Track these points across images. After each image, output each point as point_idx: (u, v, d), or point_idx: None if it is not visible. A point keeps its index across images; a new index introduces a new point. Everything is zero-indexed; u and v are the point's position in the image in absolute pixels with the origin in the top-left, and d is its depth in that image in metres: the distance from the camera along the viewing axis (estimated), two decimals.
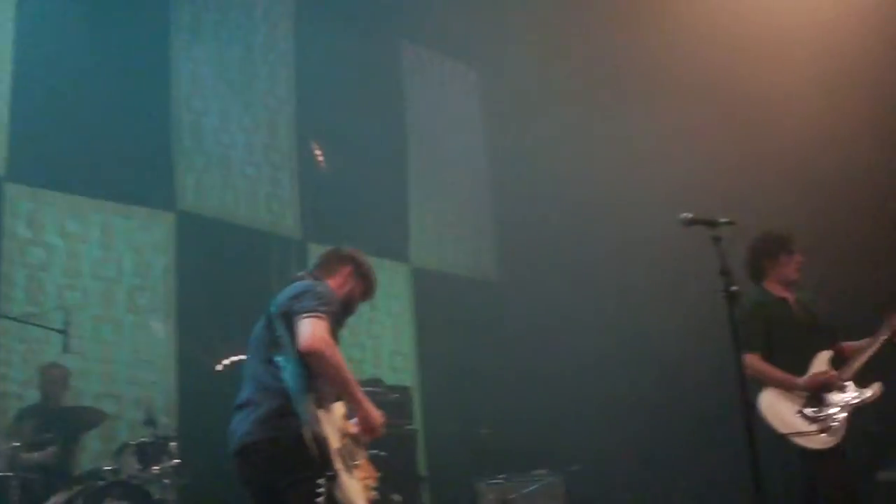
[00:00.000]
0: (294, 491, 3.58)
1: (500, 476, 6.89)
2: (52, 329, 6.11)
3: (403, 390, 7.44)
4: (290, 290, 3.92)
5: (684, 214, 4.61)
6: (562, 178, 8.63)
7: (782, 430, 4.89)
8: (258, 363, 3.84)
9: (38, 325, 6.25)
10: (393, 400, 7.10)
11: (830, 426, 4.84)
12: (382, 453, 6.61)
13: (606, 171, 8.20)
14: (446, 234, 9.79)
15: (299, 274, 4.18)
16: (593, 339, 8.12)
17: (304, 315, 3.69)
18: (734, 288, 4.56)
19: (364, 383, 7.12)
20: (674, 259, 7.07)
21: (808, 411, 4.92)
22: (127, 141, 7.48)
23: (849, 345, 5.17)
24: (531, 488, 6.80)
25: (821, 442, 4.82)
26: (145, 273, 7.72)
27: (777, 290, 5.25)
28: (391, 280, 9.17)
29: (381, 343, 8.91)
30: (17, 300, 6.94)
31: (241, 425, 3.74)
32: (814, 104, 7.06)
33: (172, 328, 7.67)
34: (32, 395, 6.74)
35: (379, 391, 7.05)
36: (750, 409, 4.32)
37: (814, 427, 4.86)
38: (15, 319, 6.45)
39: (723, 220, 4.55)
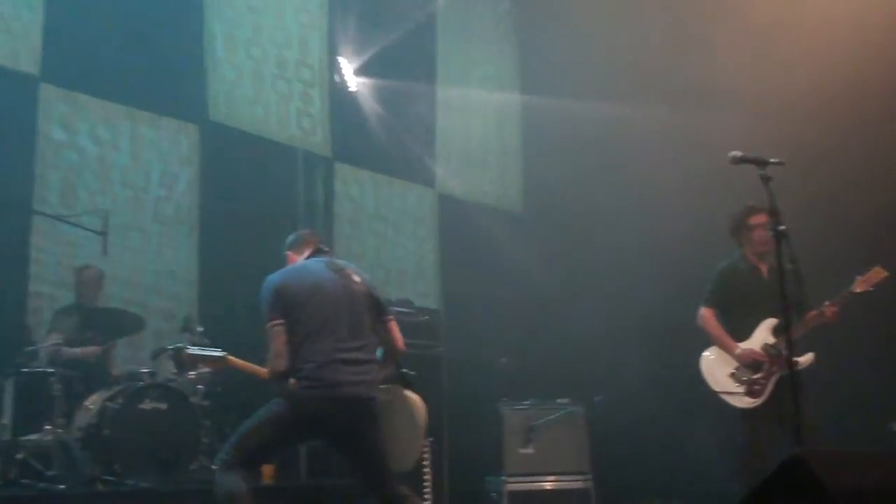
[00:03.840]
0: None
1: (525, 403, 6.98)
2: (93, 231, 6.13)
3: (433, 312, 7.48)
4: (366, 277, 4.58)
5: (734, 152, 4.64)
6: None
7: (714, 387, 5.42)
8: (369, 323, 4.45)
9: (80, 227, 6.28)
10: (423, 321, 7.16)
11: (754, 389, 5.26)
12: (412, 373, 6.71)
13: (648, 106, 8.04)
14: (473, 161, 9.75)
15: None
16: (619, 272, 8.10)
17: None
18: (782, 227, 4.59)
19: (394, 304, 7.23)
20: (708, 195, 7.03)
21: (739, 374, 5.34)
22: (159, 49, 7.41)
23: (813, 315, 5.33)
24: (554, 416, 6.91)
25: (744, 402, 5.28)
26: (171, 184, 7.72)
27: (752, 258, 5.58)
28: (418, 204, 9.19)
29: (404, 266, 8.96)
30: (51, 202, 6.90)
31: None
32: None
33: (195, 240, 7.70)
34: (64, 297, 6.75)
35: (410, 311, 7.11)
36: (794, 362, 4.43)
37: (740, 389, 5.30)
38: (58, 218, 6.46)
39: (773, 160, 4.58)
